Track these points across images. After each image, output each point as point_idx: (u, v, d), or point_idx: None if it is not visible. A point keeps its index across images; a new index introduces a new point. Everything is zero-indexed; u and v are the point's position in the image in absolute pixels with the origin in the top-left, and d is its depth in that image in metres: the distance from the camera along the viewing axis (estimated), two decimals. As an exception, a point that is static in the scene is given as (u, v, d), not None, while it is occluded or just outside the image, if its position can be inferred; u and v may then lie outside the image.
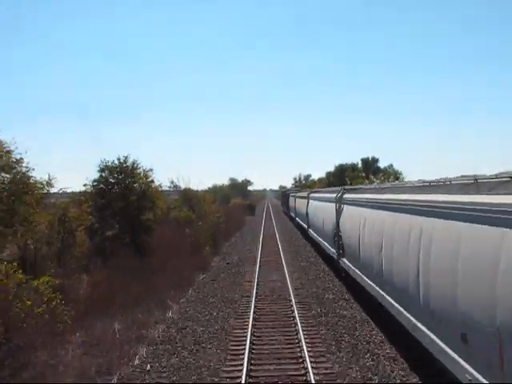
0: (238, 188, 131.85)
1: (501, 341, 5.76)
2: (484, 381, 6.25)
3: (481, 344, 6.32)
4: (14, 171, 15.96)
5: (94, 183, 22.74)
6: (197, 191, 47.57)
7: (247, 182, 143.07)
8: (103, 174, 22.94)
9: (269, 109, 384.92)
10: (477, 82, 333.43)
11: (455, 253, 7.09)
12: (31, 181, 16.47)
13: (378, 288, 12.03)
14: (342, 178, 65.28)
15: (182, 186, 44.95)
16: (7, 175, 15.82)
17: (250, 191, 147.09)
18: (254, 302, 15.50)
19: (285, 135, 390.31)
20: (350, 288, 16.88)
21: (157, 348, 11.67)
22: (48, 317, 11.21)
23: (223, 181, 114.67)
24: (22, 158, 15.97)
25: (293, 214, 51.82)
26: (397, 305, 10.25)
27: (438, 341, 7.82)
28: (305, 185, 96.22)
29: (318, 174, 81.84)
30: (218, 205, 56.82)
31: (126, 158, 23.18)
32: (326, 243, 22.72)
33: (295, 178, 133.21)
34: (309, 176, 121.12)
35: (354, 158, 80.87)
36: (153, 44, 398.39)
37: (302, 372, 9.70)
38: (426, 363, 9.16)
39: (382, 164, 69.39)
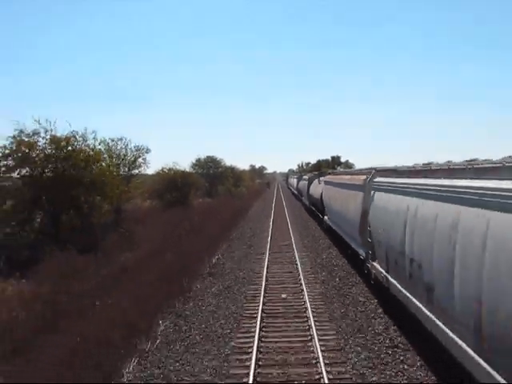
0: (257, 172, 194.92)
1: None
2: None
3: None
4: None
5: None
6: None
7: (263, 168, 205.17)
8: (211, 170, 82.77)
9: (273, 99, 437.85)
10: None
11: None
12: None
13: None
14: (319, 169, 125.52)
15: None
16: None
17: (264, 174, 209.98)
18: (275, 195, 76.27)
19: (291, 124, 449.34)
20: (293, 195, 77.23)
21: (255, 206, 72.22)
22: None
23: (243, 166, 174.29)
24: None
25: (288, 185, 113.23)
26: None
27: None
28: (304, 170, 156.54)
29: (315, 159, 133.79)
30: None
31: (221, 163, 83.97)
32: (296, 192, 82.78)
33: (299, 164, 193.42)
34: (309, 163, 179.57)
35: (327, 155, 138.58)
36: (159, 37, 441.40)
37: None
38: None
39: (343, 159, 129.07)
